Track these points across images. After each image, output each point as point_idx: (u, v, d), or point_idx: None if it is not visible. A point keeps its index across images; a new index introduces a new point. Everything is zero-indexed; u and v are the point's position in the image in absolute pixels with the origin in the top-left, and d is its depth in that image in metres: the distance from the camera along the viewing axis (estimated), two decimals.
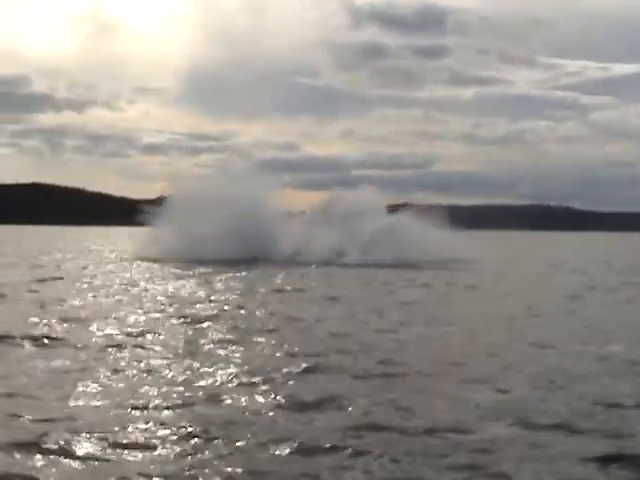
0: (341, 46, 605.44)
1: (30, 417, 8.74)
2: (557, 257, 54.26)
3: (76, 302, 20.84)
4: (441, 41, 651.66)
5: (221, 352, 13.22)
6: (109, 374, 11.17)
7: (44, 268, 35.79)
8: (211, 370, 11.49)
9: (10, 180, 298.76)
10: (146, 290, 24.93)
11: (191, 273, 32.76)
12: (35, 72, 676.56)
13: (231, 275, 31.77)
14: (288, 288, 26.24)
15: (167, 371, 11.44)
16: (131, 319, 17.45)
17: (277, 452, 7.58)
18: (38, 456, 7.36)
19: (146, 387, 10.32)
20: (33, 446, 7.61)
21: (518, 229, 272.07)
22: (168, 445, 7.75)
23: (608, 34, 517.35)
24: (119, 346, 13.45)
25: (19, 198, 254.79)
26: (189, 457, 7.38)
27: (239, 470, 7.01)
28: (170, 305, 20.43)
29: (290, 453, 7.57)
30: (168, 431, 8.22)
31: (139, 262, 41.06)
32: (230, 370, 11.47)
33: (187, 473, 6.93)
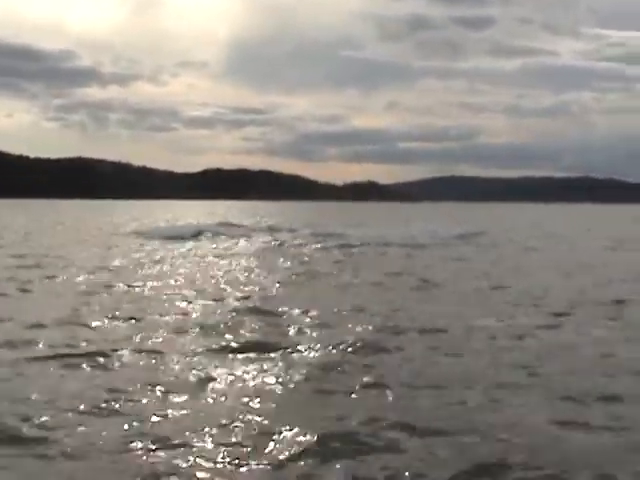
0: (385, 18, 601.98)
1: None
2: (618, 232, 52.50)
3: None
4: (485, 11, 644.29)
5: None
6: None
7: None
8: None
9: (56, 155, 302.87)
10: None
11: None
12: (80, 47, 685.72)
13: None
14: None
15: None
16: None
17: None
18: None
19: None
20: None
21: (562, 201, 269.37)
22: None
23: None
24: None
25: (65, 172, 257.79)
26: None
27: None
28: None
29: None
30: None
31: None
32: None
33: None
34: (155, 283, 19.44)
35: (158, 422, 7.61)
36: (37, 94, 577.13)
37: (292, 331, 12.47)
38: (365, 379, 9.27)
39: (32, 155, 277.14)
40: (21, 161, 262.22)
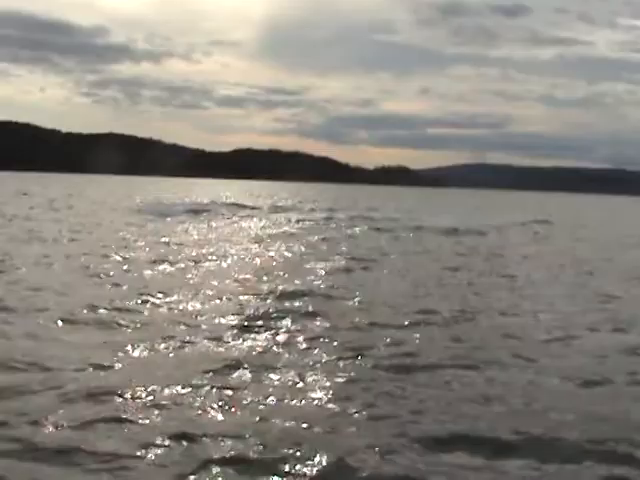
0: (420, 3, 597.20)
1: None
2: None
3: None
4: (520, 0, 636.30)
5: None
6: None
7: None
8: None
9: (87, 130, 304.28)
10: None
11: None
12: (113, 23, 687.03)
13: None
14: None
15: None
16: None
17: None
18: None
19: None
20: None
21: (594, 192, 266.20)
22: None
23: None
24: None
25: (96, 148, 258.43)
26: None
27: None
28: None
29: None
30: None
31: None
32: None
33: None
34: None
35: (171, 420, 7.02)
36: (70, 69, 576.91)
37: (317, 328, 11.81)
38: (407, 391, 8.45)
39: (64, 129, 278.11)
40: (53, 135, 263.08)
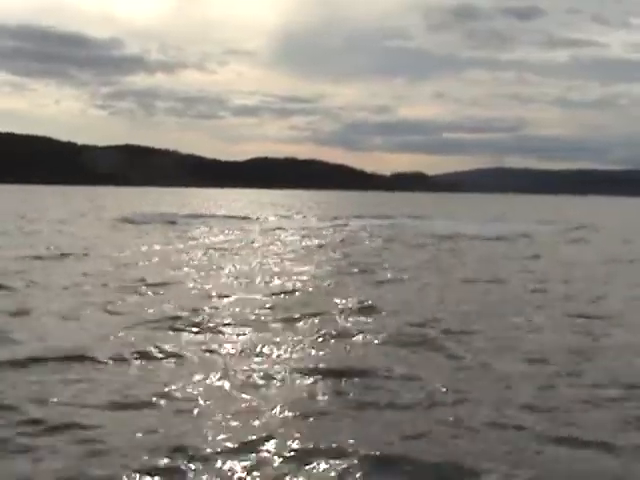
0: (433, 8, 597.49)
1: None
2: None
3: None
4: (533, 1, 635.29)
5: None
6: None
7: None
8: None
9: (103, 142, 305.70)
10: None
11: None
12: (127, 35, 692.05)
13: None
14: None
15: None
16: None
17: None
18: None
19: None
20: None
21: (611, 194, 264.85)
22: None
23: None
24: None
25: (112, 160, 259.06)
26: None
27: None
28: None
29: None
30: None
31: None
32: None
33: None
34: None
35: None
36: (86, 81, 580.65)
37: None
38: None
39: (80, 142, 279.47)
40: (70, 148, 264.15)
